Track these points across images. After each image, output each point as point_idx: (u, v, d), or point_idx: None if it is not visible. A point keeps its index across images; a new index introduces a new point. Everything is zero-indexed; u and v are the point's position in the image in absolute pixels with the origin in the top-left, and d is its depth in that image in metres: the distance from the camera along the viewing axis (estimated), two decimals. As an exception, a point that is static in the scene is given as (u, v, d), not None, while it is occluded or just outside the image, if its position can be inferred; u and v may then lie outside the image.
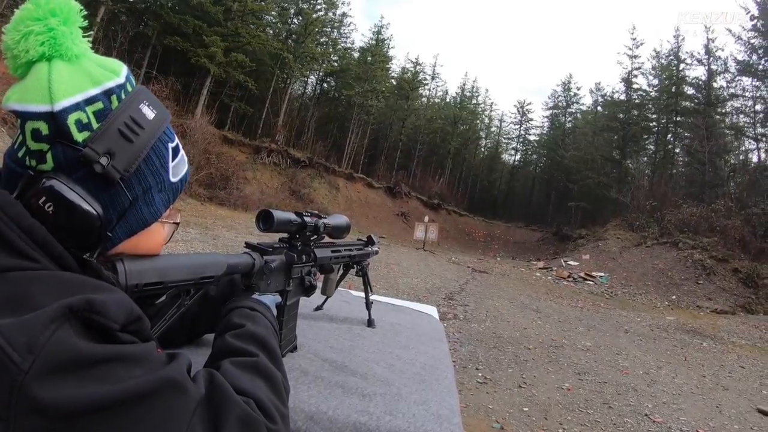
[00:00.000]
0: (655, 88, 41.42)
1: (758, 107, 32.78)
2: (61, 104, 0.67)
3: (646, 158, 43.25)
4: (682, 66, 38.29)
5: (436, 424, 1.11)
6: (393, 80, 48.64)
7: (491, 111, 63.06)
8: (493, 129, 64.20)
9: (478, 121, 59.77)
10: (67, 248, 0.67)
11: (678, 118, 38.52)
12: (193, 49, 28.08)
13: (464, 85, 58.47)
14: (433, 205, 43.21)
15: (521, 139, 62.41)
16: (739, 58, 33.29)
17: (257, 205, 24.94)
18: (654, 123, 41.92)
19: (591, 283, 21.03)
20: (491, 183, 61.40)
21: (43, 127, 0.67)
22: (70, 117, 0.68)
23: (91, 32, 0.77)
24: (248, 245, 1.20)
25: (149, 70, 27.60)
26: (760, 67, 31.80)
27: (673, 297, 19.35)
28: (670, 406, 5.74)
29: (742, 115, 34.03)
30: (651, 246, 24.58)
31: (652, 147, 42.59)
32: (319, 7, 39.30)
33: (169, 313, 0.94)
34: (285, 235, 1.34)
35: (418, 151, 48.81)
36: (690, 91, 37.82)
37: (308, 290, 1.40)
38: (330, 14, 40.77)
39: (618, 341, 9.49)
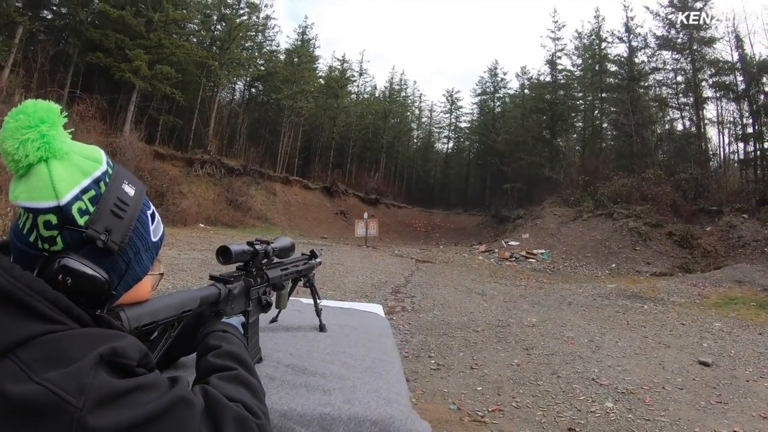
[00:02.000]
0: (579, 68, 43.20)
1: (679, 78, 34.58)
2: (65, 198, 0.84)
3: (575, 135, 44.89)
4: (603, 44, 40.20)
5: (387, 407, 1.31)
6: (321, 80, 48.59)
7: (421, 102, 64.09)
8: (424, 120, 65.11)
9: (408, 114, 60.46)
10: (84, 309, 0.83)
11: (603, 95, 40.37)
12: (116, 64, 27.30)
13: (392, 78, 59.01)
14: (371, 200, 43.46)
15: (453, 127, 63.42)
16: (658, 33, 35.29)
17: (196, 218, 24.59)
18: (581, 101, 43.76)
19: (533, 260, 21.61)
20: (427, 173, 62.10)
21: (53, 218, 0.84)
22: (74, 207, 0.85)
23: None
24: (212, 277, 1.38)
25: (72, 89, 26.59)
26: (679, 40, 33.65)
27: (613, 265, 20.17)
28: (615, 369, 6.11)
29: (664, 87, 35.82)
30: (587, 219, 25.52)
31: (580, 124, 44.47)
32: (242, 11, 38.89)
33: (160, 345, 1.15)
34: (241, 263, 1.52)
35: (351, 148, 48.83)
36: (613, 68, 39.56)
37: (265, 307, 1.59)
38: (253, 18, 40.37)
39: (562, 314, 9.93)
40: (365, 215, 29.60)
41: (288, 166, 40.28)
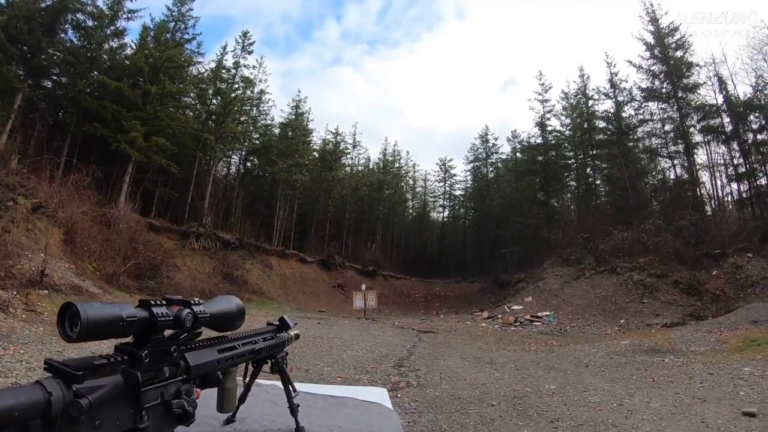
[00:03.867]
0: (568, 127, 43.76)
1: (667, 127, 34.95)
2: None
3: (569, 194, 44.98)
4: (590, 102, 41.13)
5: None
6: (315, 153, 48.90)
7: (414, 172, 64.29)
8: (418, 189, 65.34)
9: (402, 184, 60.77)
10: None
11: (594, 152, 40.83)
12: (112, 134, 27.19)
13: (385, 149, 59.32)
14: (368, 272, 42.87)
15: (447, 196, 63.55)
16: (643, 86, 35.99)
17: (190, 292, 23.80)
18: (572, 160, 43.87)
19: (539, 323, 21.10)
20: (423, 242, 61.71)
21: None
22: None
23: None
24: (48, 366, 0.72)
25: (69, 158, 26.46)
26: (663, 90, 34.21)
27: (622, 321, 19.65)
28: (656, 434, 5.41)
29: (653, 138, 36.17)
30: (590, 276, 25.07)
31: (573, 183, 44.50)
32: (236, 86, 39.40)
33: None
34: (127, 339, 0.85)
35: (347, 220, 48.80)
36: (601, 124, 40.24)
37: (182, 419, 0.91)
38: (248, 92, 40.88)
39: (581, 377, 9.24)
40: (363, 287, 29.33)
41: (284, 240, 39.89)
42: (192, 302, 0.95)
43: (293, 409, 1.50)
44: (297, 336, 1.58)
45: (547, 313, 22.30)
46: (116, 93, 27.85)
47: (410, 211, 64.58)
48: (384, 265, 47.03)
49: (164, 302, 0.90)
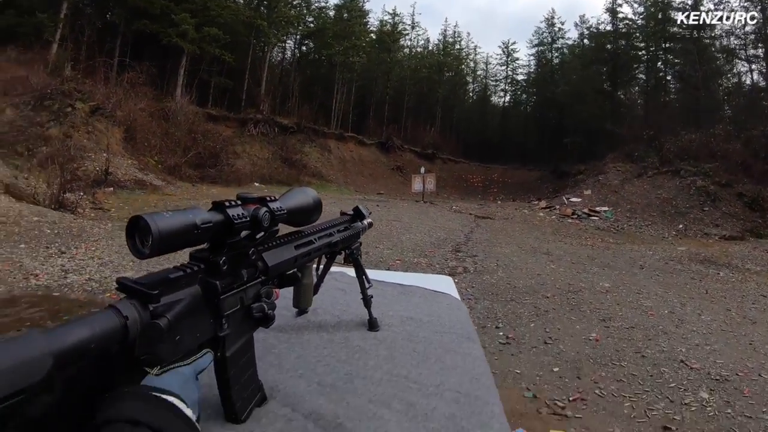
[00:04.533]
0: (641, 16, 40.18)
1: (748, 28, 31.47)
2: None
3: (637, 88, 42.27)
4: (667, -11, 37.07)
5: None
6: (372, 35, 47.30)
7: (476, 55, 61.34)
8: (479, 72, 62.55)
9: (463, 67, 58.43)
10: None
11: (667, 45, 37.64)
12: (163, 30, 27.07)
13: (445, 31, 57.20)
14: (427, 155, 42.51)
15: (509, 80, 60.92)
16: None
17: (250, 178, 24.45)
18: (643, 51, 40.73)
19: (596, 218, 20.75)
20: (483, 127, 60.06)
21: None
22: None
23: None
24: (121, 286, 0.66)
25: (122, 58, 26.61)
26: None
27: (680, 226, 19.07)
28: (704, 348, 5.35)
29: (733, 37, 32.78)
30: (652, 176, 24.16)
31: (642, 76, 41.47)
32: (288, -33, 37.95)
33: None
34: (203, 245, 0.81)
35: (406, 103, 47.83)
36: (678, 15, 36.58)
37: (262, 322, 0.89)
38: (300, -27, 39.40)
39: (636, 279, 9.12)
40: (422, 170, 29.22)
41: (342, 123, 39.79)
42: (268, 199, 0.91)
43: (367, 301, 1.50)
44: (370, 224, 1.54)
45: (606, 208, 21.89)
46: (163, -14, 27.41)
47: (470, 94, 62.33)
48: (443, 149, 46.42)
49: (239, 202, 0.85)
